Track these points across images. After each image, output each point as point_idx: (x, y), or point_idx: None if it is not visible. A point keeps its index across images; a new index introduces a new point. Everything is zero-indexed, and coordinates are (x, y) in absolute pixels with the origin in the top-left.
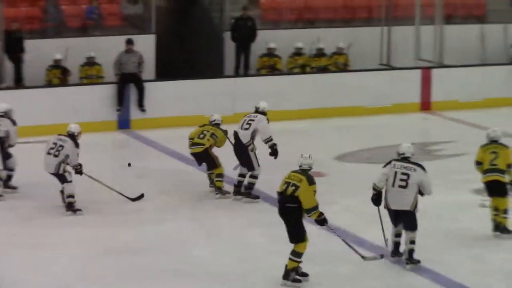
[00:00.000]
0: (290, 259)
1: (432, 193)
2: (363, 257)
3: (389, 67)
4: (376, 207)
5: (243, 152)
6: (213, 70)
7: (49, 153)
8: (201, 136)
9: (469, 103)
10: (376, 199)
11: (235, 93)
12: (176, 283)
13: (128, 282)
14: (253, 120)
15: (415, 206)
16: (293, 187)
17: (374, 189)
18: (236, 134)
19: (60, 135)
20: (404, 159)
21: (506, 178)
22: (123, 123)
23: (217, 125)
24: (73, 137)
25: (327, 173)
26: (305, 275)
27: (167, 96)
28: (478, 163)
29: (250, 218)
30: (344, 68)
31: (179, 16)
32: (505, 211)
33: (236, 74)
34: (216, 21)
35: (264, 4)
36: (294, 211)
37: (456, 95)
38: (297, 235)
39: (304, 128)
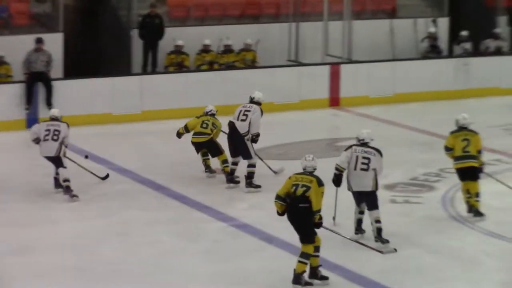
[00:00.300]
0: (299, 261)
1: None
2: (379, 251)
3: (298, 63)
4: (335, 188)
5: (240, 141)
6: (121, 68)
7: (46, 140)
8: (204, 125)
9: (378, 99)
10: (337, 180)
11: (143, 91)
12: (83, 282)
13: (35, 280)
14: (249, 111)
15: (376, 186)
16: (304, 188)
17: (336, 169)
18: (232, 124)
19: (46, 121)
20: (364, 144)
21: (477, 163)
22: (32, 122)
23: (213, 115)
24: (60, 120)
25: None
26: (325, 278)
27: (75, 95)
28: (448, 149)
29: (157, 215)
30: (252, 64)
31: (87, 14)
32: (477, 195)
33: (144, 72)
34: (123, 19)
35: (171, 1)
36: (306, 211)
37: (365, 90)
38: (309, 235)
39: None
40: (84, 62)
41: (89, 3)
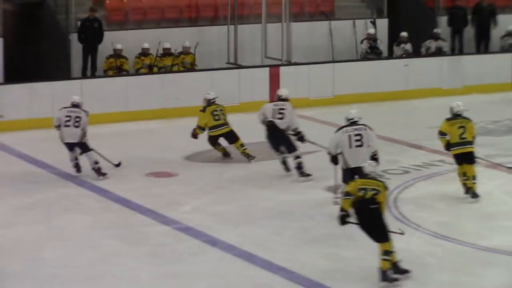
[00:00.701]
0: (382, 259)
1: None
2: (401, 233)
3: (237, 66)
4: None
5: (283, 136)
6: (61, 72)
7: (67, 125)
8: (216, 117)
9: (318, 100)
10: (334, 160)
11: (82, 95)
12: (25, 286)
13: None
14: (284, 109)
15: None
16: (374, 191)
17: (329, 153)
18: (272, 123)
19: (66, 107)
20: (353, 123)
21: (474, 148)
22: None
23: (214, 102)
24: (81, 107)
25: (177, 173)
26: (405, 272)
27: (15, 99)
28: (442, 134)
29: (99, 219)
30: (191, 67)
31: (26, 19)
32: (474, 177)
33: (84, 76)
34: (62, 23)
35: (109, 5)
36: (377, 211)
37: (305, 92)
38: (384, 234)
39: (153, 128)
40: (24, 67)
41: (28, 8)
